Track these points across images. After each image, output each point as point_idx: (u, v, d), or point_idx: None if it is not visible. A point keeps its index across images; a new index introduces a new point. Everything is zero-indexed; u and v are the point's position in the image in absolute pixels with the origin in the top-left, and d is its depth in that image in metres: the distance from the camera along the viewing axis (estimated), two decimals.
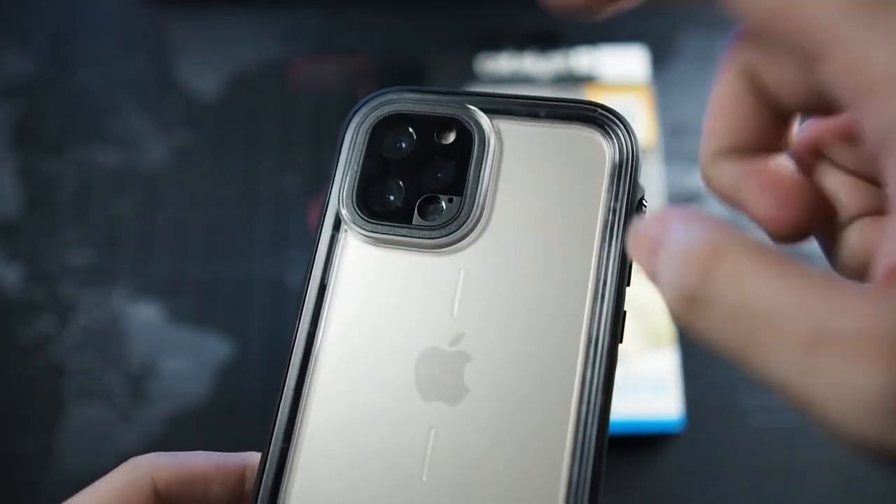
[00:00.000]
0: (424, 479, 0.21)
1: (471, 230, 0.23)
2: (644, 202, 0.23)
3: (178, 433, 0.55)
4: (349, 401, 0.22)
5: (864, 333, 0.14)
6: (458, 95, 0.24)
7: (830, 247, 0.21)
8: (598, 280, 0.22)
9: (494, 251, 0.23)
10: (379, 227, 0.23)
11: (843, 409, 0.14)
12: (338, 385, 0.22)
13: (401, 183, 0.24)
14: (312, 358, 0.22)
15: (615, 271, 0.22)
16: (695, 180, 0.61)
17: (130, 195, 0.62)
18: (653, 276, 0.18)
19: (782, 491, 0.53)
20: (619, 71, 0.62)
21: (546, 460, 0.20)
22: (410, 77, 0.64)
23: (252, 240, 0.60)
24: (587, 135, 0.23)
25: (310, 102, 0.65)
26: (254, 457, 0.23)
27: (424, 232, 0.23)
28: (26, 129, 0.64)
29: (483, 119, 0.24)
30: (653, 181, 0.58)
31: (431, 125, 0.24)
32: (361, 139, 0.24)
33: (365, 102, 0.25)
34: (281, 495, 0.21)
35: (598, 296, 0.22)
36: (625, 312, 0.22)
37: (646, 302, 0.54)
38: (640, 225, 0.18)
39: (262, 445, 0.22)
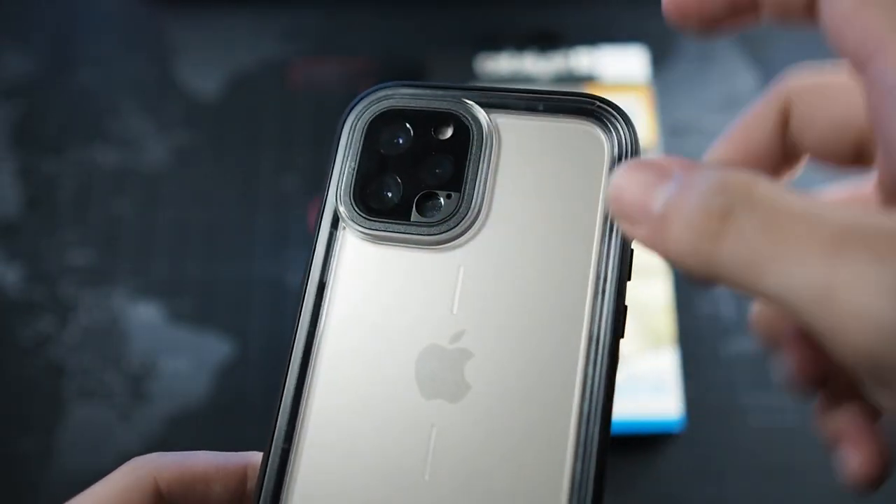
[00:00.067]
0: (426, 477, 0.21)
1: (470, 226, 0.23)
2: None
3: (178, 433, 0.55)
4: (350, 400, 0.22)
5: (890, 231, 0.15)
6: (455, 90, 0.24)
7: None
8: (598, 275, 0.21)
9: (494, 247, 0.22)
10: (377, 224, 0.23)
11: (866, 304, 0.15)
12: (338, 384, 0.22)
13: (398, 179, 0.23)
14: (312, 357, 0.22)
15: (616, 266, 0.21)
16: None
17: (130, 195, 0.62)
18: (647, 212, 0.18)
19: (782, 491, 0.53)
20: (619, 71, 0.62)
21: (549, 457, 0.20)
22: (410, 77, 0.64)
23: (252, 240, 0.60)
24: (586, 128, 0.23)
25: (310, 102, 0.65)
26: (255, 456, 0.23)
27: (423, 228, 0.23)
28: (26, 129, 0.64)
29: (480, 114, 0.24)
30: None
31: (428, 120, 0.24)
32: (358, 136, 0.24)
33: (361, 98, 0.25)
34: (283, 496, 0.21)
35: (598, 291, 0.21)
36: (626, 307, 0.21)
37: (646, 302, 0.54)
38: (630, 168, 0.19)
39: (262, 445, 0.22)
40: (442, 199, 0.23)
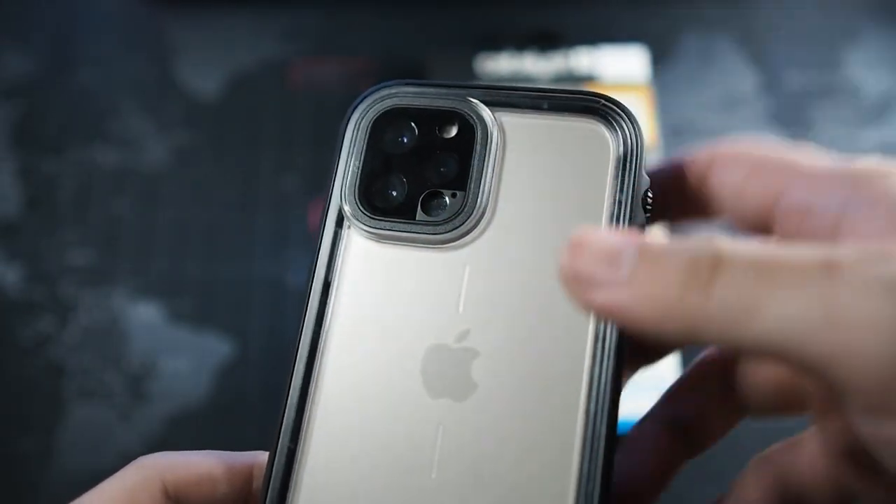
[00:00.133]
0: (433, 475, 0.21)
1: (475, 225, 0.23)
2: (649, 194, 0.22)
3: (178, 433, 0.55)
4: (356, 399, 0.22)
5: (875, 252, 0.16)
6: (459, 88, 0.24)
7: None
8: None
9: (499, 246, 0.22)
10: (382, 223, 0.23)
11: (876, 321, 0.15)
12: (344, 383, 0.22)
13: (403, 178, 0.23)
14: (318, 357, 0.22)
15: None
16: None
17: (130, 195, 0.62)
18: (612, 275, 0.17)
19: None
20: (619, 71, 0.62)
21: (555, 455, 0.20)
22: (411, 77, 0.64)
23: (252, 240, 0.60)
24: (591, 127, 0.23)
25: (310, 102, 0.65)
26: (261, 456, 0.23)
27: (428, 227, 0.23)
28: (26, 129, 0.64)
29: (485, 112, 0.23)
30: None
31: (433, 119, 0.24)
32: (362, 134, 0.24)
33: (365, 97, 0.24)
34: (289, 495, 0.21)
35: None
36: None
37: None
38: (582, 235, 0.18)
39: (263, 445, 0.22)
40: (447, 198, 0.23)
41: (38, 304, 0.59)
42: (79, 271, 0.59)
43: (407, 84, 0.24)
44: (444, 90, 0.24)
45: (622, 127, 0.23)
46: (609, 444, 0.20)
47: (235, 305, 0.58)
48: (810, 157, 0.21)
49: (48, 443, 0.55)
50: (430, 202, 0.23)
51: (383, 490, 0.21)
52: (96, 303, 0.59)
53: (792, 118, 0.63)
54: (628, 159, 0.22)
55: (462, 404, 0.21)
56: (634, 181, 0.22)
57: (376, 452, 0.21)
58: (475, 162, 0.23)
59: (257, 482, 0.23)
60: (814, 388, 0.22)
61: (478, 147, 0.23)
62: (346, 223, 0.23)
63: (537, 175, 0.23)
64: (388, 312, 0.22)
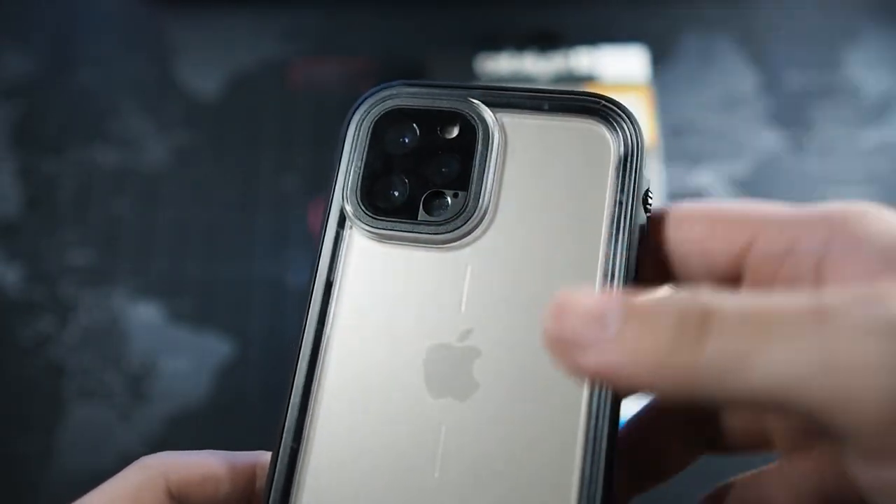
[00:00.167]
0: (436, 475, 0.21)
1: (477, 225, 0.23)
2: (650, 195, 0.23)
3: (178, 433, 0.55)
4: (358, 399, 0.22)
5: (864, 294, 0.16)
6: (460, 89, 0.24)
7: None
8: (605, 274, 0.21)
9: (501, 246, 0.22)
10: (384, 223, 0.23)
11: (876, 365, 0.15)
12: (346, 383, 0.22)
13: (405, 178, 0.23)
14: (320, 356, 0.22)
15: (623, 264, 0.21)
16: (694, 180, 0.61)
17: (130, 195, 0.62)
18: (599, 335, 0.17)
19: None
20: (619, 71, 0.62)
21: (558, 454, 0.20)
22: (410, 77, 0.64)
23: (252, 240, 0.60)
24: (592, 127, 0.23)
25: (310, 102, 0.65)
26: (264, 456, 0.23)
27: (430, 227, 0.23)
28: (26, 129, 0.64)
29: (486, 112, 0.23)
30: (653, 181, 0.58)
31: (434, 119, 0.24)
32: (364, 135, 0.24)
33: (366, 98, 0.24)
34: (292, 495, 0.21)
35: (606, 289, 0.21)
36: None
37: None
38: (567, 297, 0.17)
39: (264, 445, 0.22)
40: (449, 198, 0.23)
41: (38, 304, 0.59)
42: (79, 271, 0.59)
43: (408, 85, 0.24)
44: (445, 91, 0.24)
45: (623, 127, 0.23)
46: (611, 442, 0.20)
47: (235, 305, 0.58)
48: (770, 206, 0.21)
49: (48, 443, 0.55)
50: (432, 202, 0.23)
51: (386, 490, 0.21)
52: (96, 303, 0.59)
53: (792, 118, 0.63)
54: (629, 160, 0.22)
55: (464, 404, 0.21)
56: (635, 182, 0.22)
57: (379, 452, 0.21)
58: (477, 162, 0.23)
59: (260, 482, 0.23)
60: (781, 428, 0.22)
61: (479, 147, 0.23)
62: (347, 223, 0.23)
63: (538, 175, 0.23)
64: (390, 312, 0.22)
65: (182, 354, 0.57)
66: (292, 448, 0.21)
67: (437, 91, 0.24)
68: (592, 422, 0.20)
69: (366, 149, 0.24)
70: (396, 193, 0.23)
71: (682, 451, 0.24)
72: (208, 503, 0.22)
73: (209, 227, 0.61)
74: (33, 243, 0.60)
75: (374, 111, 0.24)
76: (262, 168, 0.63)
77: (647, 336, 0.16)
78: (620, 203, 0.22)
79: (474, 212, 0.23)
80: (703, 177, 0.61)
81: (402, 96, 0.24)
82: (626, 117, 0.23)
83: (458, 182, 0.23)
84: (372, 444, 0.21)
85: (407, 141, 0.24)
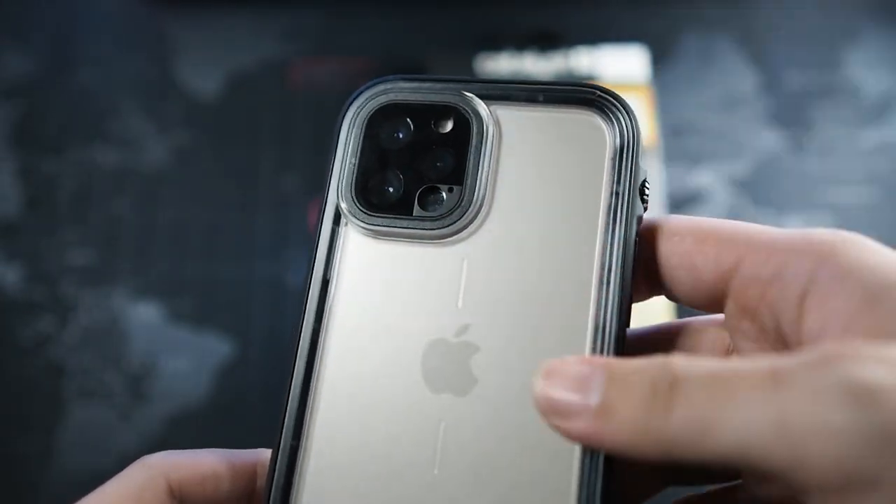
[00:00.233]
0: (436, 471, 0.21)
1: (472, 220, 0.22)
2: (646, 185, 0.22)
3: (178, 433, 0.55)
4: (357, 396, 0.22)
5: (822, 356, 0.16)
6: (454, 82, 0.24)
7: None
8: (603, 265, 0.21)
9: (497, 240, 0.22)
10: (379, 219, 0.23)
11: (825, 422, 0.16)
12: (345, 380, 0.22)
13: (399, 174, 0.23)
14: (318, 354, 0.22)
15: (620, 256, 0.21)
16: (695, 180, 0.61)
17: (130, 195, 0.62)
18: (585, 405, 0.18)
19: None
20: (619, 71, 0.62)
21: (557, 450, 0.20)
22: None
23: (252, 240, 0.60)
24: (587, 118, 0.23)
25: (310, 102, 0.65)
26: (265, 454, 0.23)
27: (426, 223, 0.23)
28: (26, 129, 0.64)
29: (480, 106, 0.23)
30: (653, 181, 0.58)
31: (428, 114, 0.24)
32: (358, 130, 0.24)
33: (360, 92, 0.24)
34: (293, 492, 0.21)
35: (603, 281, 0.21)
36: (630, 297, 0.21)
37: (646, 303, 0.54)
38: (554, 368, 0.19)
39: (264, 445, 0.22)
40: (444, 193, 0.23)
41: (38, 304, 0.59)
42: (79, 271, 0.59)
43: (402, 79, 0.24)
44: (439, 85, 0.24)
45: (618, 118, 0.22)
46: None
47: (235, 305, 0.58)
48: (760, 228, 0.21)
49: (48, 443, 0.55)
50: (427, 197, 0.23)
51: (387, 486, 0.21)
52: (96, 303, 0.59)
53: (792, 118, 0.63)
54: (625, 150, 0.22)
55: (463, 399, 0.21)
56: (632, 172, 0.22)
57: (378, 448, 0.21)
58: (471, 156, 0.23)
59: (261, 480, 0.23)
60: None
61: (474, 141, 0.23)
62: (343, 220, 0.23)
63: (534, 168, 0.23)
64: (387, 309, 0.22)
65: (182, 354, 0.57)
66: (292, 446, 0.21)
67: (430, 85, 0.24)
68: None
69: (360, 144, 0.24)
70: (391, 189, 0.23)
71: (644, 484, 0.24)
72: (209, 502, 0.22)
73: (209, 227, 0.61)
74: (33, 243, 0.60)
75: (367, 106, 0.24)
76: (262, 168, 0.63)
77: (625, 405, 0.18)
78: (617, 194, 0.22)
79: (470, 206, 0.22)
80: (703, 177, 0.61)
81: (396, 91, 0.24)
82: (621, 108, 0.23)
83: (452, 176, 0.23)
84: (371, 440, 0.21)
85: (401, 136, 0.24)
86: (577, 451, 0.20)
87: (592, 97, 0.23)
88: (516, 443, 0.21)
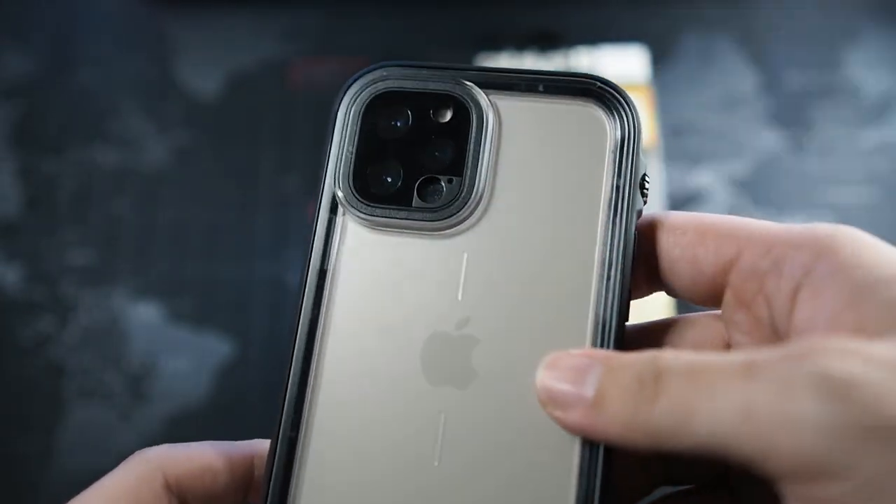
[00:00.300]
0: (436, 463, 0.21)
1: (472, 211, 0.22)
2: (646, 179, 0.22)
3: (178, 433, 0.55)
4: (357, 388, 0.22)
5: (799, 350, 0.17)
6: (452, 70, 0.23)
7: None
8: (603, 259, 0.21)
9: (498, 232, 0.22)
10: (378, 209, 0.22)
11: (787, 410, 0.16)
12: (344, 373, 0.22)
13: (397, 163, 0.23)
14: (316, 346, 0.22)
15: (620, 250, 0.21)
16: (694, 180, 0.61)
17: (130, 195, 0.62)
18: (581, 397, 0.19)
19: None
20: (619, 71, 0.62)
21: (557, 441, 0.20)
22: None
23: (252, 240, 0.60)
24: (588, 110, 0.22)
25: (310, 102, 0.65)
26: (261, 444, 0.23)
27: (425, 214, 0.22)
28: (26, 129, 0.64)
29: (480, 95, 0.23)
30: (653, 181, 0.58)
31: (427, 102, 0.23)
32: (354, 118, 0.23)
33: (356, 79, 0.24)
34: (292, 484, 0.21)
35: (604, 275, 0.21)
36: (630, 290, 0.21)
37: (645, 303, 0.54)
38: (555, 360, 0.20)
39: (267, 438, 0.22)
40: (443, 184, 0.22)
41: (38, 304, 0.59)
42: (79, 271, 0.59)
43: (399, 66, 0.24)
44: (437, 72, 0.23)
45: (619, 111, 0.22)
46: None
47: (235, 305, 0.58)
48: (761, 223, 0.21)
49: (48, 443, 0.55)
50: (427, 188, 0.23)
51: (387, 478, 0.21)
52: (96, 303, 0.59)
53: (792, 118, 0.63)
54: (626, 144, 0.22)
55: (463, 392, 0.21)
56: (633, 166, 0.22)
57: (379, 440, 0.21)
58: (471, 147, 0.23)
59: (258, 471, 0.23)
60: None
61: (474, 131, 0.23)
62: (340, 210, 0.23)
63: (534, 159, 0.22)
64: (386, 301, 0.22)
65: (182, 354, 0.57)
66: (290, 437, 0.21)
67: (429, 73, 0.23)
68: None
69: (357, 132, 0.23)
70: (389, 179, 0.23)
71: (638, 484, 0.24)
72: (207, 495, 0.22)
73: (209, 227, 0.61)
74: (33, 243, 0.60)
75: (364, 93, 0.24)
76: (262, 168, 0.63)
77: (616, 397, 0.18)
78: (618, 188, 0.22)
79: (470, 197, 0.22)
80: (703, 177, 0.61)
81: (393, 78, 0.24)
82: (622, 100, 0.22)
83: (452, 167, 0.23)
84: (371, 432, 0.21)
85: (399, 125, 0.23)
86: (577, 442, 0.20)
87: (593, 88, 0.22)
88: (517, 434, 0.21)
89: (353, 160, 0.23)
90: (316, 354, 0.22)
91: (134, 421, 0.55)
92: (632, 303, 0.22)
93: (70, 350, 0.57)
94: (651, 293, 0.23)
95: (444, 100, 0.23)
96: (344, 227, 0.23)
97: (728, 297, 0.21)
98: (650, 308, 0.54)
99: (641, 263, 0.22)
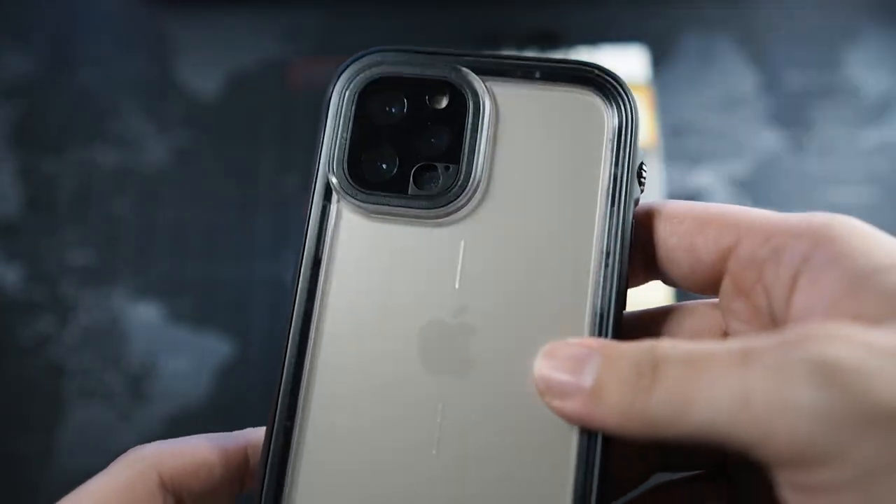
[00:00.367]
0: (434, 452, 0.21)
1: (469, 199, 0.22)
2: (644, 168, 0.22)
3: (178, 433, 0.54)
4: (353, 377, 0.21)
5: (795, 336, 0.17)
6: (449, 56, 0.23)
7: None
8: (601, 248, 0.21)
9: (495, 220, 0.22)
10: (373, 196, 0.22)
11: (784, 397, 0.16)
12: (340, 361, 0.22)
13: (393, 150, 0.23)
14: (311, 334, 0.22)
15: (618, 238, 0.21)
16: (694, 180, 0.61)
17: (130, 195, 0.62)
18: (579, 386, 0.19)
19: None
20: (619, 71, 0.62)
21: (556, 430, 0.20)
22: None
23: (252, 240, 0.60)
24: (586, 98, 0.22)
25: (310, 102, 0.65)
26: (255, 433, 0.23)
27: (421, 202, 0.22)
28: (26, 129, 0.64)
29: (476, 81, 0.23)
30: (653, 181, 0.58)
31: (422, 89, 0.23)
32: (348, 103, 0.23)
33: (351, 63, 0.24)
34: (288, 472, 0.21)
35: (602, 264, 0.21)
36: (627, 279, 0.21)
37: (645, 302, 0.54)
38: (554, 350, 0.20)
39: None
40: (440, 171, 0.22)
41: (38, 304, 0.59)
42: (79, 271, 0.59)
43: (394, 50, 0.23)
44: (433, 58, 0.23)
45: (617, 99, 0.22)
46: None
47: (235, 305, 0.58)
48: (759, 212, 0.21)
49: (48, 443, 0.55)
50: (423, 175, 0.22)
51: (385, 466, 0.21)
52: (96, 303, 0.59)
53: (792, 118, 0.63)
54: (623, 132, 0.22)
55: (461, 381, 0.21)
56: (630, 155, 0.22)
57: (376, 429, 0.21)
58: (468, 133, 0.22)
59: (253, 461, 0.23)
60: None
61: (470, 118, 0.22)
62: (335, 197, 0.22)
63: (531, 147, 0.22)
64: (382, 289, 0.22)
65: (182, 354, 0.57)
66: (286, 426, 0.21)
67: (425, 58, 0.23)
68: None
69: (351, 118, 0.23)
70: (385, 166, 0.22)
71: (636, 471, 0.24)
72: (203, 490, 0.22)
73: (209, 227, 0.61)
74: (33, 243, 0.60)
75: (359, 78, 0.23)
76: (262, 168, 0.63)
77: (614, 386, 0.18)
78: (615, 176, 0.22)
79: (467, 185, 0.22)
80: (703, 177, 0.61)
81: (388, 63, 0.23)
82: (620, 88, 0.22)
83: (448, 154, 0.22)
84: (368, 421, 0.21)
85: (394, 111, 0.23)
86: (575, 431, 0.20)
87: (591, 76, 0.22)
88: (515, 423, 0.20)
89: (347, 146, 0.23)
90: (311, 343, 0.22)
91: (134, 421, 0.55)
92: (629, 291, 0.22)
93: (70, 350, 0.57)
94: (648, 282, 0.23)
95: (441, 86, 0.23)
96: (339, 215, 0.22)
97: (726, 285, 0.21)
98: (648, 296, 0.54)
99: (638, 252, 0.22)
